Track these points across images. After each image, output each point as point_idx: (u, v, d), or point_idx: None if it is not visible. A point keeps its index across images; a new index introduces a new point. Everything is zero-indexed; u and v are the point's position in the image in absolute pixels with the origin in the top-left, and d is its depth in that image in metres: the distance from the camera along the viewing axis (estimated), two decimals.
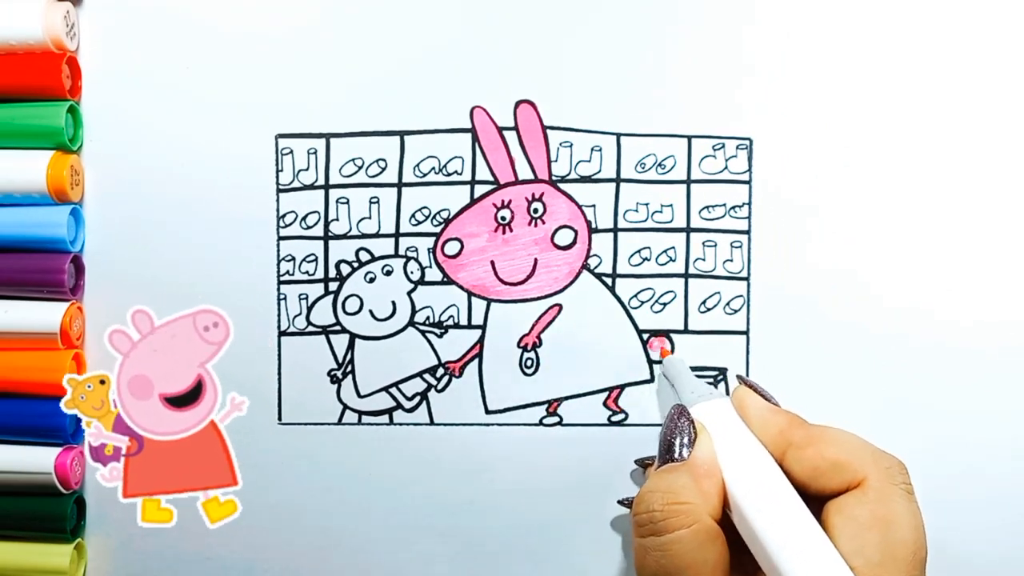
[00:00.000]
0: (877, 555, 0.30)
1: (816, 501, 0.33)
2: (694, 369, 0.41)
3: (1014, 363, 0.40)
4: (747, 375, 0.41)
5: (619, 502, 0.40)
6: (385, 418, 0.41)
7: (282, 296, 0.40)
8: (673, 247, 0.40)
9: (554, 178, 0.40)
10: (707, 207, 0.40)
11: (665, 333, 0.41)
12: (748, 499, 0.32)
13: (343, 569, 0.41)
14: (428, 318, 0.41)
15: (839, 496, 0.32)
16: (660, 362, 0.40)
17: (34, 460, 0.39)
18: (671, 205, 0.40)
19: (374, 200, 0.40)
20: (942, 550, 0.40)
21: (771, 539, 0.31)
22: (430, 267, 0.40)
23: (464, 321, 0.40)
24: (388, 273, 0.40)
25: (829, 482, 0.32)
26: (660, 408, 0.40)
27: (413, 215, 0.40)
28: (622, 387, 0.41)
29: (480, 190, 0.40)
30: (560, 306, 0.40)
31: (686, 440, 0.34)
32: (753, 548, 0.32)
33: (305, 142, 0.40)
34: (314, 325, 0.40)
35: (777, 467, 0.34)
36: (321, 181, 0.40)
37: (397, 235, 0.40)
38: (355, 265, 0.40)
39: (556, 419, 0.41)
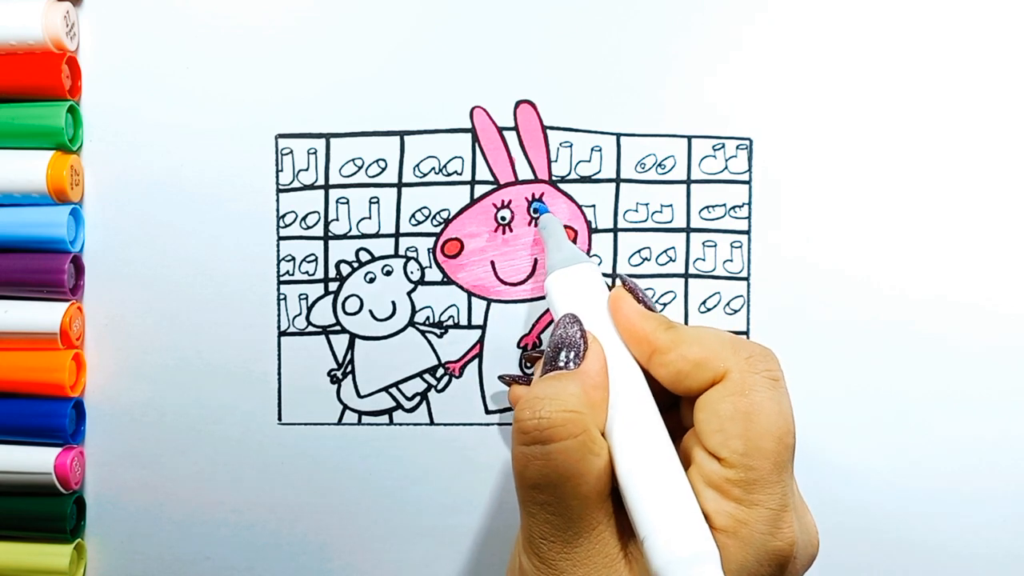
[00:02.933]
0: (741, 446, 0.30)
1: (686, 401, 0.33)
2: None
3: (1018, 362, 0.40)
4: None
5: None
6: (385, 418, 0.41)
7: (282, 296, 0.40)
8: (673, 247, 0.40)
9: (554, 178, 0.40)
10: (707, 207, 0.40)
11: None
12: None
13: (343, 569, 0.41)
14: (428, 318, 0.40)
15: (704, 392, 0.32)
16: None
17: (34, 460, 0.39)
18: (671, 205, 0.40)
19: (374, 200, 0.40)
20: (945, 548, 0.40)
21: (625, 463, 0.31)
22: (430, 267, 0.40)
23: (464, 321, 0.40)
24: (388, 273, 0.40)
25: (693, 382, 0.31)
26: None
27: (413, 215, 0.40)
28: None
29: (480, 190, 0.40)
30: None
31: (578, 351, 0.32)
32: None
33: (305, 142, 0.40)
34: (314, 325, 0.40)
35: (636, 372, 0.33)
36: (321, 181, 0.40)
37: (397, 235, 0.40)
38: (355, 265, 0.40)
39: None
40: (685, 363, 0.31)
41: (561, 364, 0.32)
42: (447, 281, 0.40)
